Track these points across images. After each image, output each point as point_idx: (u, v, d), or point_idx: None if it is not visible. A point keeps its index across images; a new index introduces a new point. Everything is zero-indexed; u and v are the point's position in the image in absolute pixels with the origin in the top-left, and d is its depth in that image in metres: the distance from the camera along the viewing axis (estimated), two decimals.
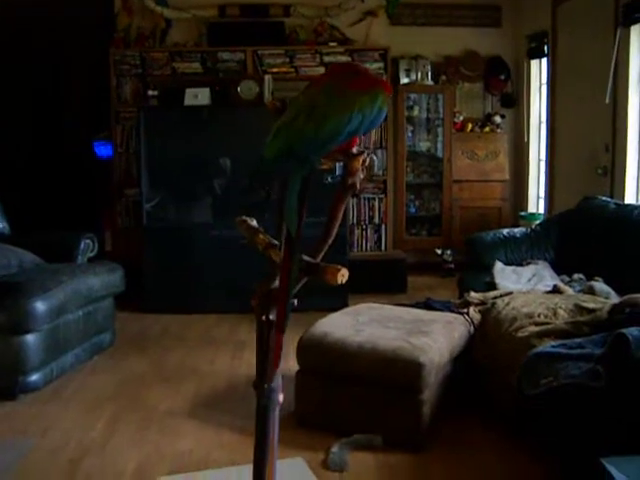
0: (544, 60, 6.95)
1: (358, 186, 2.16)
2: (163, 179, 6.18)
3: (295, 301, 2.42)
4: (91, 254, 5.12)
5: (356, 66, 2.29)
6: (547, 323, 3.67)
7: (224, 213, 6.07)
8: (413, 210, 7.44)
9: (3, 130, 7.59)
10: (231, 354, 5.02)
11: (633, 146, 5.24)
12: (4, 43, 7.37)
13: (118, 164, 6.70)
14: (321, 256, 2.27)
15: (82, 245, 5.03)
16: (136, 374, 4.66)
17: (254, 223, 2.52)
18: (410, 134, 7.33)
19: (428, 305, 6.06)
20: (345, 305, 5.95)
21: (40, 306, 4.14)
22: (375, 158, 2.01)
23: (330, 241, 2.26)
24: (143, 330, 5.64)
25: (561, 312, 3.77)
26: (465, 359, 3.97)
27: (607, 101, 5.25)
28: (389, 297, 6.37)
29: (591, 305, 3.77)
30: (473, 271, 5.04)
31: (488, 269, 4.85)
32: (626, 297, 3.61)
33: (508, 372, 3.56)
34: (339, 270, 2.10)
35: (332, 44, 6.80)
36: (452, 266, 7.14)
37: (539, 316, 3.76)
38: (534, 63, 7.19)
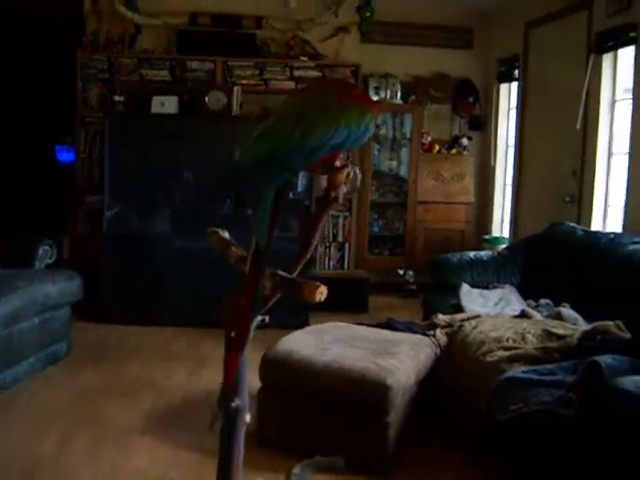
0: (514, 84, 6.98)
1: (341, 200, 2.08)
2: (126, 187, 6.02)
3: (267, 318, 2.35)
4: (49, 261, 4.95)
5: (347, 82, 2.21)
6: (516, 348, 3.63)
7: (187, 224, 5.94)
8: (376, 229, 7.39)
9: None
10: (189, 370, 4.88)
11: (601, 174, 5.25)
12: None
13: (80, 170, 6.55)
14: (298, 271, 2.18)
15: (40, 251, 4.87)
16: (91, 387, 4.51)
17: (226, 235, 2.42)
18: (376, 152, 7.29)
19: (389, 325, 6.01)
20: (306, 323, 5.88)
21: None
22: (358, 172, 1.94)
23: (309, 255, 2.18)
24: (100, 341, 5.48)
25: (530, 337, 3.74)
26: (431, 381, 3.91)
27: (578, 127, 5.26)
28: (351, 316, 6.25)
29: (560, 331, 3.74)
30: (438, 292, 4.99)
31: (454, 291, 4.79)
32: (596, 324, 3.59)
33: (475, 395, 3.52)
34: (318, 287, 2.02)
35: (303, 58, 6.75)
36: (414, 287, 7.10)
37: (507, 340, 3.73)
38: (504, 87, 7.22)
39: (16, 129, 7.37)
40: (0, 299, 4.04)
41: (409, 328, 5.80)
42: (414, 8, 7.13)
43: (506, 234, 7.09)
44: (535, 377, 3.21)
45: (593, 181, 5.27)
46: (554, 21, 5.95)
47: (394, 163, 7.35)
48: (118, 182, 5.97)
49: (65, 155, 6.71)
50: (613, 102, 5.24)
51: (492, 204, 7.38)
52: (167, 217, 6.16)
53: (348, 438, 3.50)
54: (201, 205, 6.03)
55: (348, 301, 6.48)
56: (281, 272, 2.14)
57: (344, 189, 2.08)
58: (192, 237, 5.76)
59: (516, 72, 6.76)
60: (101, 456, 3.54)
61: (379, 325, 6.00)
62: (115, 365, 4.92)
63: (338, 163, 2.11)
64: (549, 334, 3.73)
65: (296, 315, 5.50)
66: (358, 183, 2.11)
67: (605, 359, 2.95)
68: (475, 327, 4.00)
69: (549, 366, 3.33)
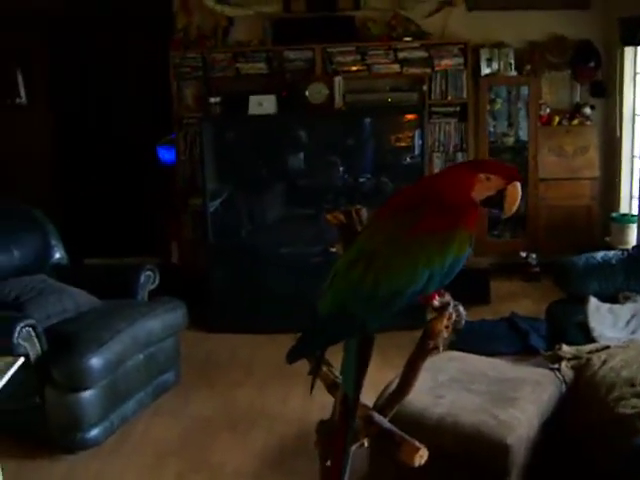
0: None
1: (441, 349, 1.77)
2: (228, 192, 5.84)
3: (365, 441, 2.09)
4: (152, 286, 4.82)
5: (430, 191, 1.82)
6: None
7: (294, 229, 5.72)
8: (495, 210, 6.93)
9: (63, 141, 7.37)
10: (304, 391, 4.68)
11: None
12: (64, 44, 7.08)
13: (182, 172, 6.40)
14: (392, 413, 1.92)
15: (142, 279, 4.72)
16: (202, 419, 4.40)
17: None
18: (492, 129, 6.80)
19: (512, 322, 5.71)
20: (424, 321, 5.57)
21: (95, 363, 3.87)
22: (462, 309, 1.64)
23: (405, 397, 1.91)
24: (209, 357, 5.33)
25: None
26: (555, 421, 3.57)
27: None
28: (471, 309, 5.92)
29: None
30: (563, 305, 4.59)
31: (580, 302, 4.39)
32: None
33: (607, 450, 3.18)
34: (418, 450, 1.73)
35: (407, 39, 6.29)
36: (537, 270, 6.69)
37: None
38: (628, 50, 6.52)
39: (115, 135, 7.22)
40: (100, 347, 3.93)
41: (532, 327, 5.52)
42: None
43: (635, 211, 6.52)
44: None
45: None
46: None
47: (511, 139, 6.83)
48: (220, 188, 5.79)
49: (167, 155, 6.56)
50: None
51: (619, 178, 6.75)
52: (274, 222, 5.94)
53: None
54: (307, 208, 5.78)
55: (468, 292, 6.09)
56: (377, 416, 1.87)
57: (445, 335, 1.76)
58: (300, 243, 5.56)
59: None
60: None
61: (502, 322, 5.75)
62: (226, 389, 4.79)
63: (436, 302, 1.79)
64: None
65: (414, 315, 5.18)
66: (463, 322, 1.79)
67: None
68: (604, 362, 3.61)
69: None
